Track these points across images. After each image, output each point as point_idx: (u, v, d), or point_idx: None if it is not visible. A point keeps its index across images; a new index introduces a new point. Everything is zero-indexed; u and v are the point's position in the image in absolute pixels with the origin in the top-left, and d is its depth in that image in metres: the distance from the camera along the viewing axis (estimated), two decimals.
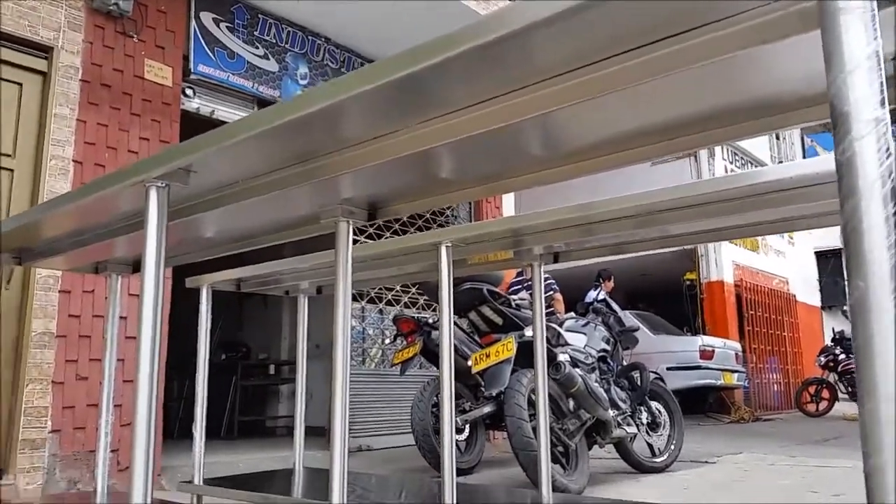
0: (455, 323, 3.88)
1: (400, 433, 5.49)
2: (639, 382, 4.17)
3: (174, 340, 4.33)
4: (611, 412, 3.65)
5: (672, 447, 4.45)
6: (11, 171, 3.81)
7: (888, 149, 0.54)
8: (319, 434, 6.39)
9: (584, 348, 3.90)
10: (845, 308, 9.75)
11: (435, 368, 4.66)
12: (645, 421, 4.31)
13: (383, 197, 1.54)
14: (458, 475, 4.26)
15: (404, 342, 4.25)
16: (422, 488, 2.52)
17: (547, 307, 5.02)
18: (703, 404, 10.16)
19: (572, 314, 4.54)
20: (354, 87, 0.98)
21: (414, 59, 0.89)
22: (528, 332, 3.50)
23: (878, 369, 0.55)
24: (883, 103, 0.55)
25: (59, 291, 3.78)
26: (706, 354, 9.19)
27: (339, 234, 1.58)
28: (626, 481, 4.00)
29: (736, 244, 11.09)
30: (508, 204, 6.77)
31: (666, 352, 9.35)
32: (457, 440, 4.36)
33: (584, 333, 4.06)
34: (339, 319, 1.55)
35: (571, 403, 3.45)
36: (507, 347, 3.34)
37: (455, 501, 1.84)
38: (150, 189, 1.31)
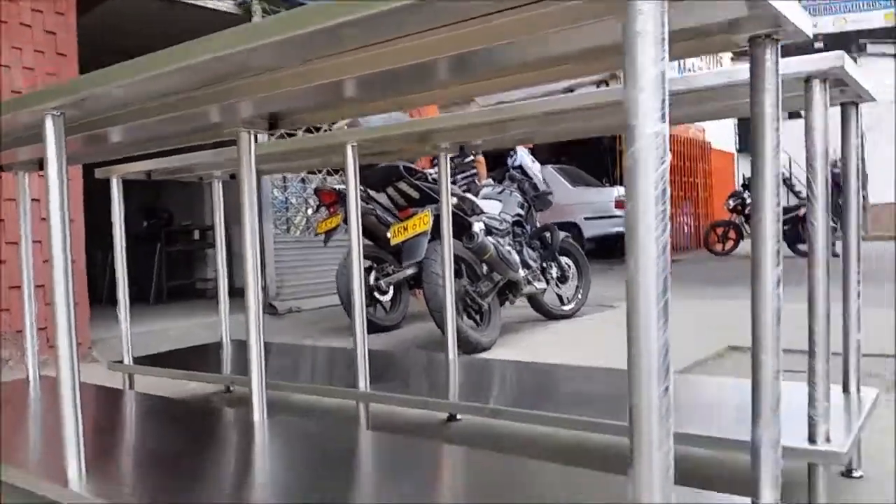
0: (373, 198, 3.98)
1: (327, 294, 5.72)
2: (550, 242, 4.44)
3: (97, 213, 4.27)
4: (522, 272, 3.92)
5: (579, 296, 4.85)
6: None
7: (663, 158, 0.67)
8: (242, 295, 6.56)
9: (499, 215, 4.09)
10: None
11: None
12: (555, 275, 4.64)
13: (285, 111, 1.59)
14: (384, 331, 4.57)
15: (327, 213, 4.35)
16: (336, 358, 2.73)
17: (470, 170, 5.17)
18: (620, 249, 10.80)
19: (490, 181, 4.70)
20: (260, 37, 1.00)
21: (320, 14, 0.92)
22: None
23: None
24: (663, 118, 0.66)
25: None
26: (621, 204, 9.63)
27: (241, 144, 1.63)
28: (536, 329, 4.39)
29: None
30: None
31: (584, 203, 9.85)
32: (382, 301, 4.62)
33: (500, 200, 4.24)
34: (246, 227, 1.64)
35: (485, 268, 3.69)
36: (423, 221, 3.49)
37: (367, 367, 2.04)
38: (46, 118, 1.33)
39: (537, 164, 7.47)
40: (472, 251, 3.44)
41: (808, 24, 0.97)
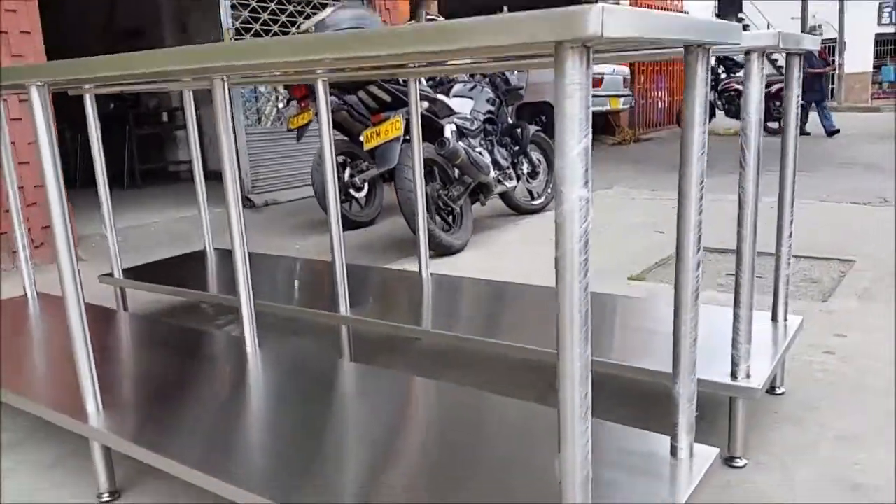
0: (344, 100, 3.98)
1: (302, 186, 5.80)
2: (521, 138, 4.52)
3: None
4: (493, 173, 4.04)
5: (549, 191, 5.00)
6: None
7: (586, 217, 0.81)
8: (219, 178, 6.60)
9: (470, 113, 4.13)
10: (739, 16, 9.85)
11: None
12: (526, 171, 4.76)
13: None
14: (359, 227, 4.71)
15: (298, 107, 4.34)
16: (319, 274, 2.89)
17: None
18: (602, 127, 10.82)
19: (463, 75, 4.68)
20: None
21: None
22: None
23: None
24: (586, 184, 0.79)
25: None
26: (595, 83, 9.57)
27: (216, 91, 1.70)
28: (507, 225, 4.57)
29: None
30: None
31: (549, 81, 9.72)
32: (357, 197, 4.73)
33: (472, 98, 4.26)
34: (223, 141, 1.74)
35: (457, 172, 3.79)
36: (395, 126, 3.55)
37: (347, 292, 2.21)
38: (31, 88, 1.39)
39: None
40: (444, 157, 3.54)
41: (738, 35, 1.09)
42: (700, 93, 1.15)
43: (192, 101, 3.31)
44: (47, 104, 1.45)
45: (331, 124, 2.27)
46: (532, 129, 4.73)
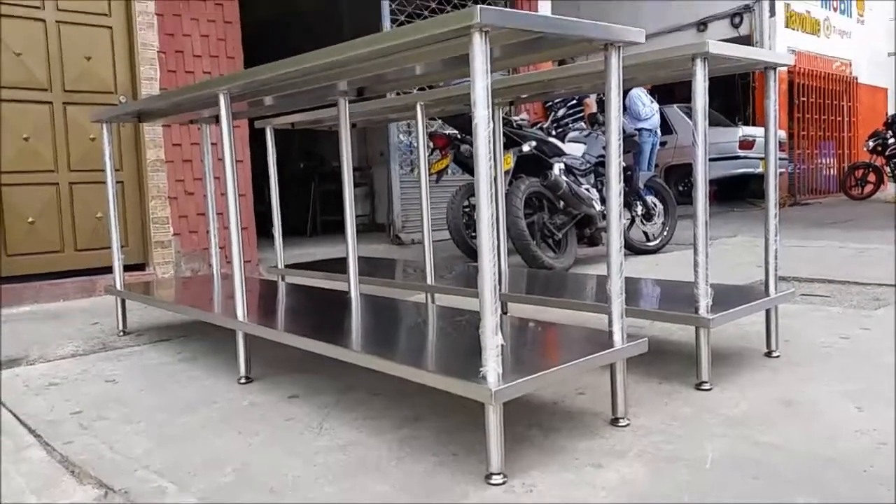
0: (467, 140, 4.72)
1: (444, 229, 6.58)
2: (631, 181, 4.99)
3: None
4: (599, 207, 4.54)
5: (665, 233, 5.35)
6: (110, 27, 4.72)
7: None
8: (382, 229, 7.59)
9: (582, 156, 4.70)
10: None
11: (464, 175, 5.58)
12: (640, 212, 5.18)
13: (367, 86, 2.40)
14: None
15: (438, 155, 5.15)
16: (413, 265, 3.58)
17: (577, 112, 5.77)
18: (746, 191, 10.78)
19: (582, 125, 5.28)
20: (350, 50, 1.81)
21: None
22: (525, 147, 4.33)
23: None
24: (487, 105, 1.38)
25: (162, 125, 4.82)
26: (746, 144, 9.67)
27: (340, 107, 2.46)
28: None
29: (794, 28, 10.95)
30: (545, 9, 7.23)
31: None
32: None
33: (585, 143, 4.84)
34: (344, 169, 2.48)
35: (562, 203, 4.35)
36: (506, 161, 4.21)
37: (433, 269, 2.87)
38: (219, 94, 2.22)
39: (655, 105, 7.81)
40: (547, 188, 4.12)
41: (640, 36, 1.63)
42: (615, 92, 1.67)
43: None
44: (230, 109, 2.27)
45: (424, 145, 2.97)
46: (648, 174, 5.17)
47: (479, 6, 1.34)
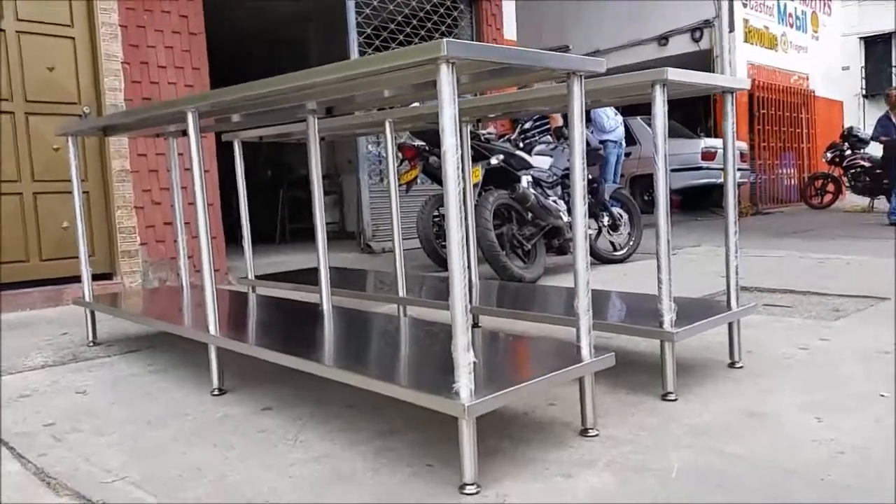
0: (437, 154, 4.76)
1: (413, 238, 6.62)
2: (596, 192, 5.08)
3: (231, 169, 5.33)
4: (566, 218, 4.62)
5: (631, 243, 5.46)
6: (73, 38, 4.67)
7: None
8: (352, 237, 7.60)
9: (549, 169, 4.78)
10: (889, 91, 9.50)
11: (433, 185, 5.62)
12: (606, 223, 5.28)
13: (335, 105, 2.42)
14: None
15: (408, 166, 5.19)
16: (380, 278, 3.61)
17: (543, 124, 5.84)
18: (709, 201, 11.01)
19: (548, 138, 5.37)
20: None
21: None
22: (493, 161, 4.40)
23: None
24: (458, 133, 1.41)
25: (128, 137, 4.77)
26: (708, 156, 9.89)
27: (309, 123, 2.48)
28: None
29: (753, 43, 11.25)
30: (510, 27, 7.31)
31: (670, 154, 10.09)
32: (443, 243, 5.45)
33: (552, 156, 4.92)
34: (314, 183, 2.50)
35: (530, 215, 4.42)
36: (475, 175, 4.27)
37: (405, 283, 2.89)
38: (187, 112, 2.23)
39: (619, 117, 7.95)
40: (516, 200, 4.19)
41: (601, 66, 1.69)
42: (578, 117, 1.73)
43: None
44: (198, 127, 2.28)
45: (393, 160, 3.01)
46: (613, 186, 5.28)
47: (445, 40, 1.38)
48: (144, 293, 3.95)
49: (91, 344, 3.13)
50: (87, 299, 3.14)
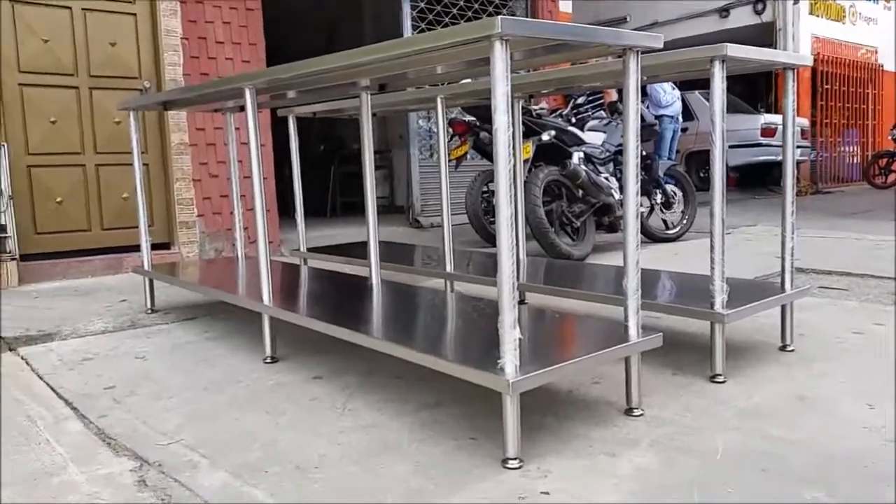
0: (486, 127, 4.74)
1: (461, 213, 6.63)
2: (650, 170, 4.99)
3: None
4: (618, 196, 4.56)
5: (685, 222, 5.35)
6: (134, 14, 4.79)
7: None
8: (401, 212, 7.65)
9: (601, 145, 4.71)
10: None
11: (482, 160, 5.60)
12: (659, 201, 5.19)
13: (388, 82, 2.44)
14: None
15: (458, 141, 5.18)
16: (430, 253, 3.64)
17: (598, 98, 5.74)
18: (768, 178, 10.69)
19: (601, 113, 5.28)
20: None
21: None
22: (545, 137, 4.36)
23: None
24: (510, 110, 1.41)
25: (186, 111, 4.88)
26: (768, 132, 9.58)
27: (362, 100, 2.50)
28: None
29: (818, 15, 10.78)
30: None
31: (728, 130, 9.81)
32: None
33: (605, 132, 4.84)
34: (366, 160, 2.53)
35: (580, 192, 4.37)
36: (525, 150, 4.23)
37: (452, 258, 2.92)
38: (245, 88, 2.28)
39: (676, 91, 7.77)
40: (566, 177, 4.15)
41: (658, 42, 1.66)
42: (633, 95, 1.70)
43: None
44: (255, 103, 2.32)
45: (444, 134, 3.00)
46: (668, 163, 5.17)
47: (500, 17, 1.38)
48: (201, 263, 4.07)
49: (149, 311, 3.25)
50: (145, 268, 3.26)
